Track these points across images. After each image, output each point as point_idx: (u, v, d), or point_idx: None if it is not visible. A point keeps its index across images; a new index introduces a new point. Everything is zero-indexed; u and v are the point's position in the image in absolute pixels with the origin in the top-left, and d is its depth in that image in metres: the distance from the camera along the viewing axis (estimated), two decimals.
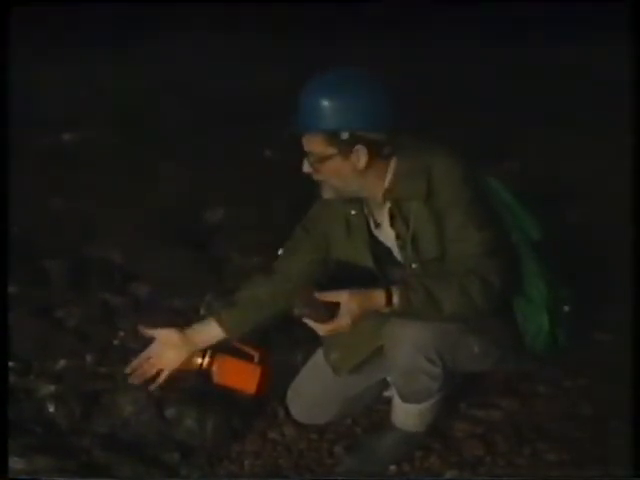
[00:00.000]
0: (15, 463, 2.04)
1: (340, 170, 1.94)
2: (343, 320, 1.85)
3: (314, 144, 1.93)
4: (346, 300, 1.85)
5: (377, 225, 2.06)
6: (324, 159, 1.93)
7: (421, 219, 1.94)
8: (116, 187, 3.82)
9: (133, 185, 3.86)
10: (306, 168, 1.98)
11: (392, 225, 1.99)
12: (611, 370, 2.39)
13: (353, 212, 2.06)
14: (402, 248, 1.99)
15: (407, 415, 2.09)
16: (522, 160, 4.14)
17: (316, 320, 1.88)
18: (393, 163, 1.97)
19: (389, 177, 1.97)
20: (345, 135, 1.90)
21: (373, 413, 2.34)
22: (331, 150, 1.92)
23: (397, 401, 2.09)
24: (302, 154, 2.00)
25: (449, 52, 6.10)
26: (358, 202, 2.05)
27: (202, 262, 3.21)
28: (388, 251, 2.05)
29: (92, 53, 5.54)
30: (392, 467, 2.13)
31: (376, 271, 2.03)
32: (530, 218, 2.07)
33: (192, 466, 2.18)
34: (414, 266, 1.96)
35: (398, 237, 1.99)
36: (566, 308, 2.06)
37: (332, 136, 1.91)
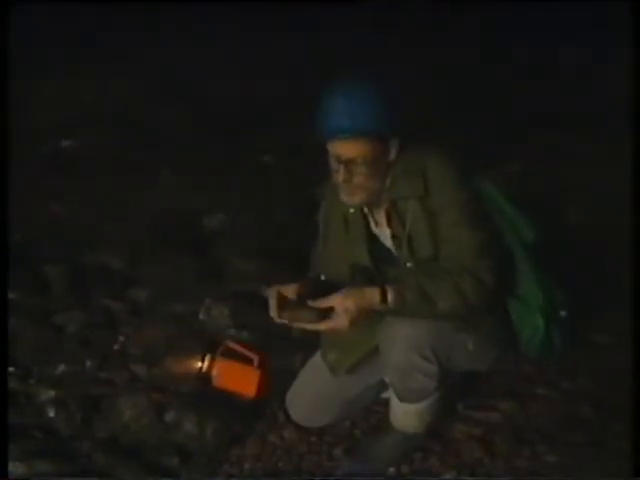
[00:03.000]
0: (15, 468, 2.05)
1: (376, 171, 1.93)
2: (340, 320, 1.85)
3: (359, 148, 1.90)
4: (339, 302, 1.85)
5: (377, 224, 2.07)
6: (369, 162, 1.90)
7: (417, 218, 1.95)
8: (116, 193, 3.83)
9: (133, 191, 3.87)
10: (341, 176, 1.91)
11: (389, 224, 2.00)
12: (610, 372, 2.39)
13: (351, 210, 2.06)
14: (398, 247, 2.00)
15: (405, 416, 2.09)
16: (521, 161, 4.14)
17: (308, 322, 1.89)
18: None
19: (389, 176, 1.98)
20: (389, 132, 1.92)
21: (372, 415, 2.35)
22: (376, 151, 1.91)
23: (395, 402, 2.09)
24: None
25: (449, 52, 6.10)
26: None
27: (202, 267, 3.21)
28: (386, 250, 2.05)
29: (92, 54, 5.56)
30: (391, 469, 2.13)
31: (373, 270, 2.03)
32: (525, 220, 2.07)
33: (192, 470, 2.18)
34: (409, 265, 1.97)
35: (394, 236, 2.00)
36: (563, 313, 2.06)
37: (378, 137, 1.91)
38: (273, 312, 1.94)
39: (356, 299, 1.85)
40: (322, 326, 1.88)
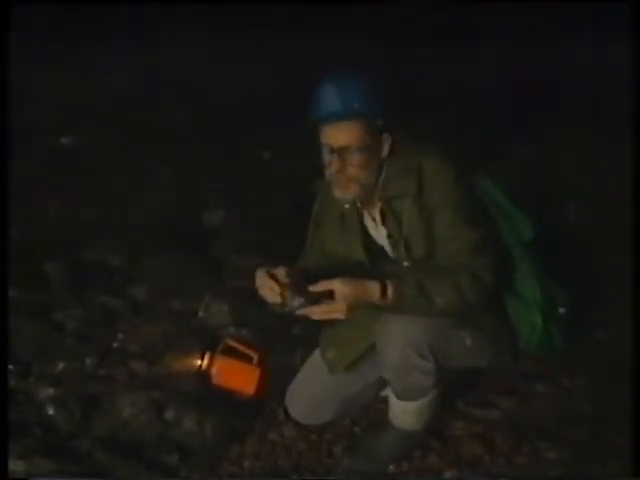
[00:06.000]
0: (15, 465, 2.04)
1: (369, 162, 1.92)
2: (337, 306, 1.86)
3: (351, 134, 1.89)
4: (339, 287, 1.85)
5: (373, 220, 2.06)
6: (361, 150, 1.90)
7: (412, 218, 1.94)
8: (115, 190, 3.83)
9: (132, 187, 3.87)
10: (335, 166, 1.91)
11: (383, 223, 2.00)
12: (610, 369, 2.39)
13: (346, 206, 2.06)
14: (394, 246, 1.99)
15: (404, 413, 2.09)
16: (521, 159, 4.14)
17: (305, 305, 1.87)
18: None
19: (383, 174, 1.98)
20: (380, 121, 1.92)
21: (371, 413, 2.34)
22: (368, 139, 1.91)
23: (393, 399, 2.08)
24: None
25: (448, 52, 6.11)
26: None
27: (201, 264, 3.21)
28: (381, 248, 2.05)
29: (92, 53, 5.58)
30: (391, 466, 2.13)
31: (369, 265, 2.03)
32: (522, 218, 2.07)
33: (192, 467, 2.18)
34: (406, 264, 1.96)
35: (390, 235, 1.99)
36: (561, 310, 2.06)
37: (370, 123, 1.90)
38: (262, 289, 1.90)
39: (355, 289, 1.85)
40: (321, 309, 1.88)
